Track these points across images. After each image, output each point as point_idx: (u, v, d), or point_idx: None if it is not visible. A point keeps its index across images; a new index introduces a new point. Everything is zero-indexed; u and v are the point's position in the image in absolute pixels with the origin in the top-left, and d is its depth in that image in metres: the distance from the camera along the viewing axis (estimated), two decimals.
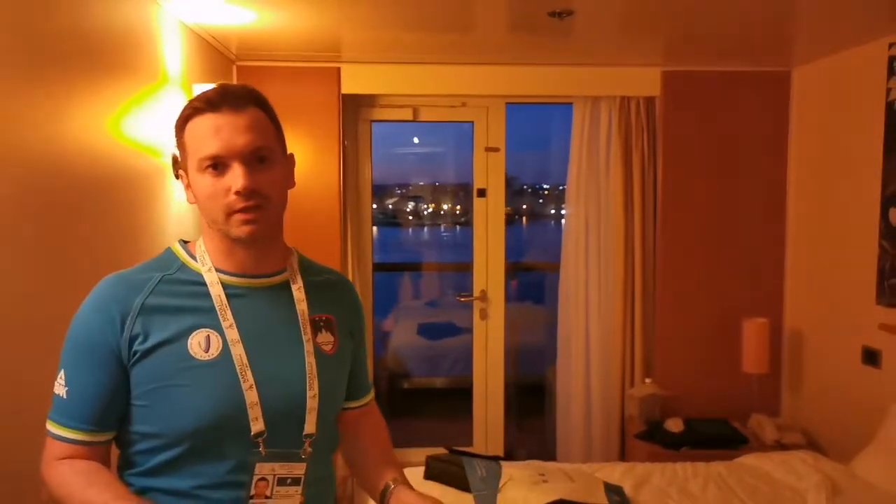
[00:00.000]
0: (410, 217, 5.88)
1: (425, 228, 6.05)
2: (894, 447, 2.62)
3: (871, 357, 2.99)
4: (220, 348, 1.14)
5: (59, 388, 1.15)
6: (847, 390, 3.17)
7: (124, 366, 1.13)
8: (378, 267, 4.13)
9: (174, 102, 2.61)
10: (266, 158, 1.16)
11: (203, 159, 1.13)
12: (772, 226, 3.65)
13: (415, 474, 2.67)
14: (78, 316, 1.17)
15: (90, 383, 1.14)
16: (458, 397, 4.18)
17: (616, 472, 2.78)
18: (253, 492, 1.15)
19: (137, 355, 1.13)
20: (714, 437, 3.30)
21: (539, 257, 5.98)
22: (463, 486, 2.50)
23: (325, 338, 1.26)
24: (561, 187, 6.36)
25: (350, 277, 3.68)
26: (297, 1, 2.53)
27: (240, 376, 1.14)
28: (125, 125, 2.24)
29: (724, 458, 2.97)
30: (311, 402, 1.20)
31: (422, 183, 5.81)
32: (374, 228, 4.01)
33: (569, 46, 3.27)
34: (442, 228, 5.89)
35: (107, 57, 2.13)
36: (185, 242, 1.26)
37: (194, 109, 1.14)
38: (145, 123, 2.39)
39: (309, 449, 1.19)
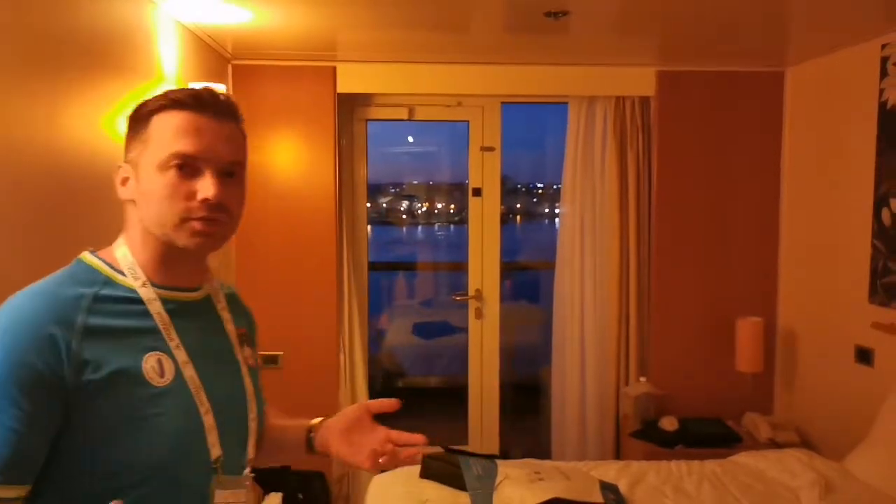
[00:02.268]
0: (404, 216, 5.88)
1: (419, 227, 6.05)
2: (887, 445, 2.64)
3: (863, 356, 3.02)
4: (173, 372, 1.04)
5: None
6: (840, 389, 3.19)
7: (65, 398, 0.95)
8: (373, 266, 4.13)
9: None
10: (235, 175, 1.09)
11: (173, 155, 1.02)
12: (765, 225, 3.67)
13: (411, 473, 2.68)
14: (5, 334, 0.95)
15: (17, 424, 0.92)
16: (453, 397, 4.19)
17: (611, 471, 2.80)
18: None
19: (90, 386, 0.96)
20: (708, 436, 3.32)
21: (533, 256, 5.99)
22: (459, 484, 2.51)
23: (248, 351, 1.21)
24: (555, 186, 6.38)
25: (345, 277, 3.68)
26: (293, 0, 2.53)
27: (196, 400, 1.05)
28: (121, 124, 2.23)
29: (719, 457, 2.99)
30: (252, 425, 1.16)
31: (416, 182, 5.81)
32: (368, 227, 4.01)
33: (564, 46, 3.28)
34: (436, 227, 5.89)
35: (103, 56, 2.13)
36: (93, 252, 1.11)
37: (173, 101, 1.04)
38: None
39: (251, 474, 1.13)
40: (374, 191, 4.37)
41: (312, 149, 3.53)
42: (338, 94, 3.54)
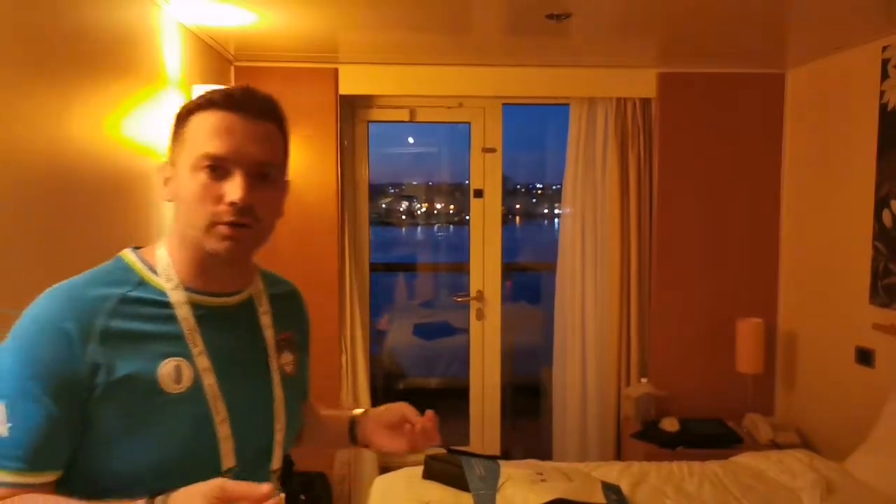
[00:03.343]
0: (404, 217, 5.88)
1: (419, 228, 6.06)
2: (888, 446, 2.65)
3: (864, 357, 3.03)
4: (191, 378, 1.02)
5: (1, 425, 0.94)
6: (841, 390, 3.20)
7: (80, 397, 0.96)
8: (375, 267, 4.14)
9: (173, 103, 2.61)
10: (269, 176, 1.05)
11: (203, 156, 1.00)
12: (766, 226, 3.68)
13: (413, 474, 2.69)
14: (22, 334, 0.98)
15: (36, 415, 0.94)
16: (454, 398, 4.20)
17: (613, 472, 2.80)
18: None
19: (99, 389, 0.96)
20: (709, 437, 3.33)
21: (533, 258, 5.99)
22: (462, 485, 2.52)
23: (286, 358, 1.17)
24: (555, 187, 6.37)
25: (347, 278, 3.69)
26: (296, 2, 2.54)
27: (212, 409, 1.03)
28: (125, 126, 2.24)
29: (720, 458, 2.99)
30: (279, 436, 1.12)
31: (415, 183, 5.82)
32: (369, 229, 4.02)
33: (565, 48, 3.29)
34: (436, 228, 5.89)
35: (107, 58, 2.14)
36: (137, 249, 1.11)
37: (209, 101, 1.03)
38: (145, 124, 2.39)
39: (278, 483, 1.11)
40: (375, 192, 4.38)
41: (314, 150, 3.54)
42: (340, 95, 3.55)
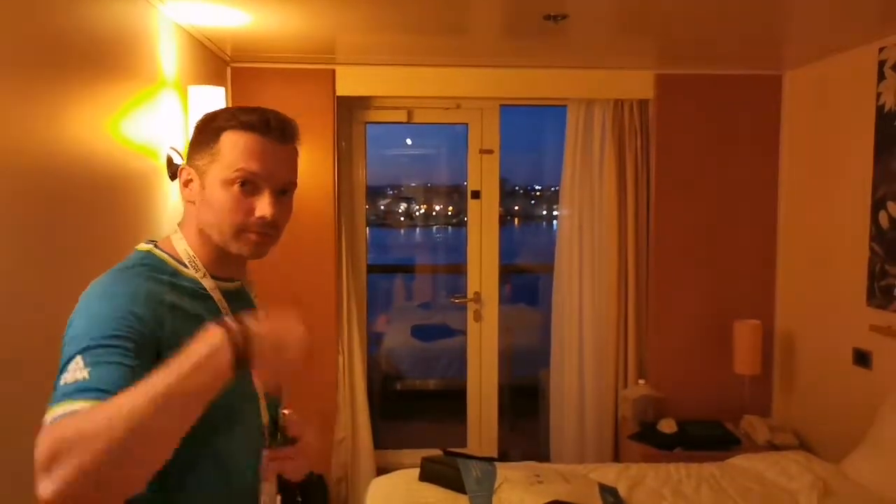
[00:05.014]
0: (402, 218, 5.88)
1: (417, 230, 6.05)
2: (885, 448, 2.65)
3: (861, 358, 3.03)
4: None
5: (78, 372, 0.95)
6: (838, 391, 3.20)
7: (152, 355, 1.02)
8: (372, 268, 4.14)
9: (170, 104, 2.61)
10: (287, 192, 1.22)
11: (238, 174, 1.14)
12: (763, 228, 3.68)
13: (410, 476, 2.68)
14: (106, 297, 1.05)
15: (115, 364, 0.97)
16: (452, 399, 4.19)
17: (610, 473, 2.80)
18: (264, 477, 1.20)
19: (164, 353, 1.01)
20: (707, 439, 3.33)
21: (531, 259, 5.99)
22: (458, 487, 2.51)
23: None
24: (553, 188, 6.36)
25: (344, 279, 3.68)
26: (292, 3, 2.54)
27: (252, 373, 1.11)
28: (122, 127, 2.24)
29: (717, 460, 3.00)
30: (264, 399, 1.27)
31: (413, 184, 5.81)
32: (367, 230, 4.01)
33: (563, 49, 3.29)
34: (434, 230, 5.88)
35: (103, 59, 2.13)
36: (151, 242, 1.21)
37: (246, 124, 1.16)
38: (142, 125, 2.39)
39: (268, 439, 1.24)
40: (372, 193, 4.38)
41: (311, 151, 3.53)
42: (337, 96, 3.54)
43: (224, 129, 1.16)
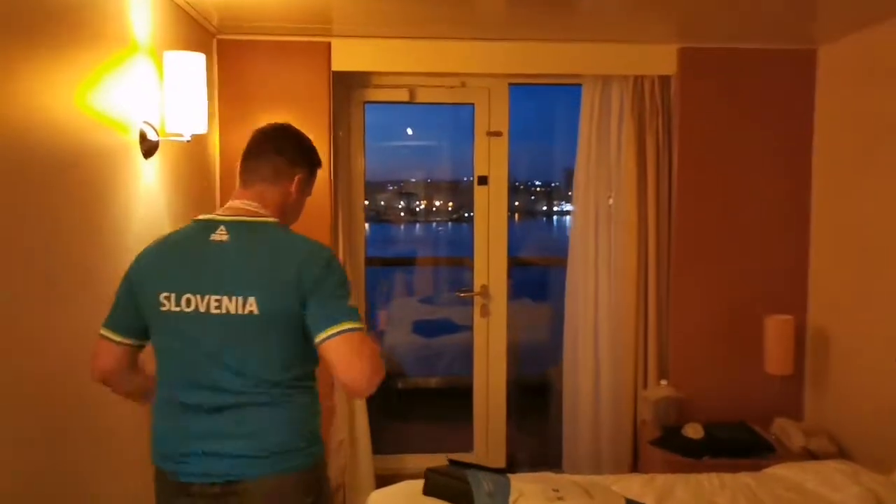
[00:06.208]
0: (402, 214, 5.64)
1: (418, 225, 5.83)
2: None
3: None
4: None
5: (353, 301, 1.62)
6: (880, 393, 2.92)
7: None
8: (371, 261, 3.87)
9: (143, 72, 2.33)
10: None
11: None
12: (795, 215, 3.41)
13: (413, 489, 2.42)
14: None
15: None
16: (455, 398, 3.94)
17: (634, 485, 2.53)
18: None
19: None
20: (737, 444, 3.05)
21: (531, 254, 5.75)
22: (467, 502, 2.24)
23: None
24: (553, 184, 6.12)
25: None
26: None
27: None
28: (88, 97, 1.98)
29: (751, 468, 2.74)
30: None
31: (414, 180, 5.58)
32: (365, 222, 3.74)
33: (578, 21, 3.02)
34: (434, 225, 5.66)
35: (71, 22, 1.88)
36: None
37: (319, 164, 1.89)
38: (111, 95, 2.11)
39: None
40: (372, 187, 4.13)
41: (305, 132, 3.25)
42: (333, 72, 3.26)
43: (318, 166, 1.88)
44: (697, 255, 3.40)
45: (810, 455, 2.97)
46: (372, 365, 1.55)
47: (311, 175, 1.80)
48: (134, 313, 1.63)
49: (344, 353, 1.52)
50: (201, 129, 2.44)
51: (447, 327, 4.72)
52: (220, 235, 1.59)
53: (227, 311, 1.54)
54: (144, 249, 1.69)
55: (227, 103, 3.21)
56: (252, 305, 1.54)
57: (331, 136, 3.30)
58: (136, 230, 2.26)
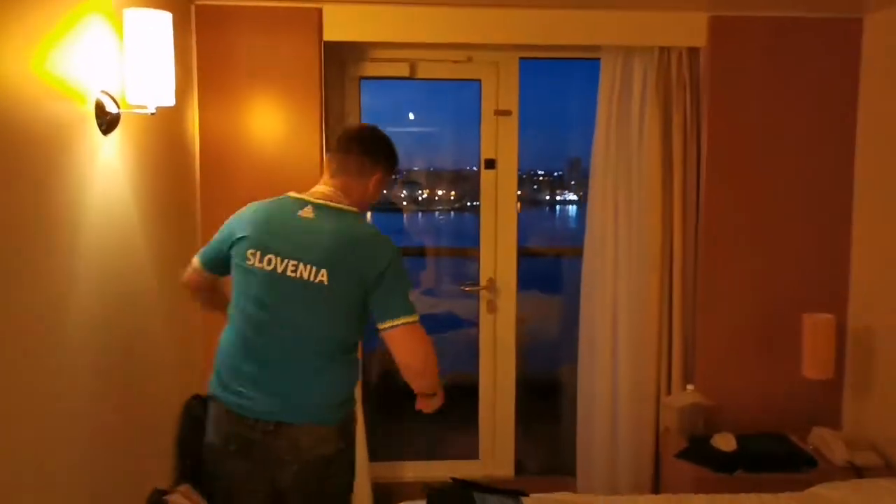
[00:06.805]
0: (405, 203, 5.37)
1: (420, 214, 5.57)
2: None
3: None
4: None
5: (412, 296, 1.94)
6: None
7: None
8: None
9: (101, 34, 2.01)
10: None
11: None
12: (836, 203, 3.10)
13: None
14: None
15: None
16: (459, 399, 3.65)
17: None
18: None
19: None
20: (775, 458, 2.74)
21: (541, 243, 5.48)
22: None
23: None
24: (556, 173, 5.84)
25: None
26: None
27: None
28: (40, 61, 1.68)
29: (790, 484, 2.46)
30: None
31: (416, 168, 5.29)
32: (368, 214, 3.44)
33: None
34: (437, 214, 5.39)
35: None
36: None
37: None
38: (63, 59, 1.80)
39: None
40: None
41: (293, 111, 2.95)
42: (324, 42, 2.94)
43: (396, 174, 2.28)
44: (728, 247, 3.10)
45: (855, 470, 2.66)
46: (427, 352, 1.91)
47: (388, 175, 2.08)
48: (223, 256, 2.02)
49: (406, 341, 1.89)
50: (168, 100, 2.12)
51: (451, 322, 4.44)
52: (307, 213, 1.93)
53: (301, 277, 1.87)
54: (247, 207, 2.03)
55: (206, 76, 2.89)
56: (323, 276, 1.87)
57: (322, 114, 2.98)
58: (91, 214, 1.95)
